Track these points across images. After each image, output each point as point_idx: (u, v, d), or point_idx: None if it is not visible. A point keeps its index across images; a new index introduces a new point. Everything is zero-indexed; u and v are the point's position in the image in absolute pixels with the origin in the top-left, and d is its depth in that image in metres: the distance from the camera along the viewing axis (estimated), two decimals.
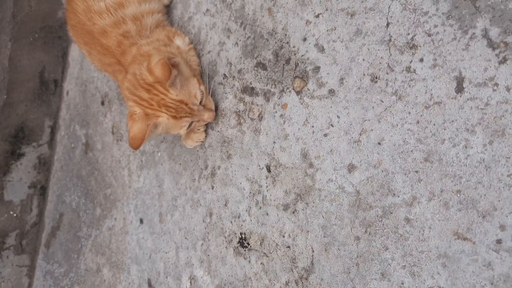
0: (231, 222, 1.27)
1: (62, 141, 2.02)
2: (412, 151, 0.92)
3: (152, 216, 1.53)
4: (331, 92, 1.06)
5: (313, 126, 1.09)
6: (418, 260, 0.90)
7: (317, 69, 1.09)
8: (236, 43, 1.29)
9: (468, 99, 0.86)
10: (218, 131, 1.32)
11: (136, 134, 1.13)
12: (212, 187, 1.33)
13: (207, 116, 1.24)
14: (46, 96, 2.03)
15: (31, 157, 2.04)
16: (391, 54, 0.96)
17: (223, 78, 1.32)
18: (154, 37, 1.36)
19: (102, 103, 1.79)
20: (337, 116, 1.05)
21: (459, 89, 0.87)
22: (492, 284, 0.81)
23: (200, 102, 1.23)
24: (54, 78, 2.04)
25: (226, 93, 1.31)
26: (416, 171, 0.91)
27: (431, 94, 0.90)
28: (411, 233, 0.91)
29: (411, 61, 0.93)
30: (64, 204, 1.97)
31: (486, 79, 0.84)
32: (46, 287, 2.02)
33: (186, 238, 1.40)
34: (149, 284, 1.51)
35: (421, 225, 0.90)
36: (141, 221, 1.57)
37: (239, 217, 1.25)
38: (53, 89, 2.04)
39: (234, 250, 1.26)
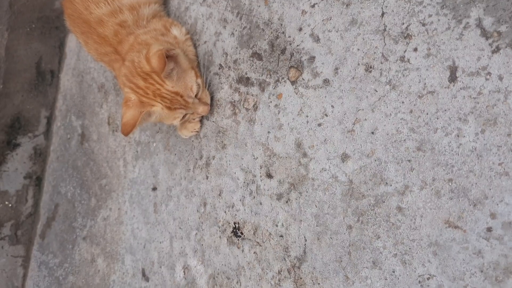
0: (225, 212, 1.27)
1: (58, 132, 2.02)
2: (405, 140, 0.93)
3: (146, 206, 1.53)
4: (326, 82, 1.06)
5: (307, 116, 1.10)
6: (410, 249, 0.91)
7: (312, 59, 1.09)
8: (232, 33, 1.29)
9: (461, 88, 0.86)
10: (213, 121, 1.33)
11: (128, 120, 1.14)
12: (207, 177, 1.33)
13: (202, 109, 1.24)
14: (42, 87, 2.03)
15: (27, 148, 2.04)
16: (385, 44, 0.97)
17: (219, 69, 1.32)
18: (151, 26, 1.36)
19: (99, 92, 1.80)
20: (331, 106, 1.05)
21: (452, 78, 0.87)
22: (482, 271, 0.82)
23: (196, 95, 1.23)
24: (50, 68, 2.03)
25: (221, 84, 1.31)
26: (409, 160, 0.92)
27: (425, 84, 0.91)
28: (403, 221, 0.92)
29: (405, 50, 0.94)
30: (60, 194, 1.97)
31: (479, 68, 0.84)
32: (40, 277, 2.02)
33: (180, 228, 1.40)
34: (143, 274, 1.52)
35: (413, 214, 0.91)
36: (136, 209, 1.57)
37: (233, 207, 1.26)
38: (49, 80, 2.04)
39: (227, 239, 1.26)
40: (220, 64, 1.32)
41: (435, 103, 0.89)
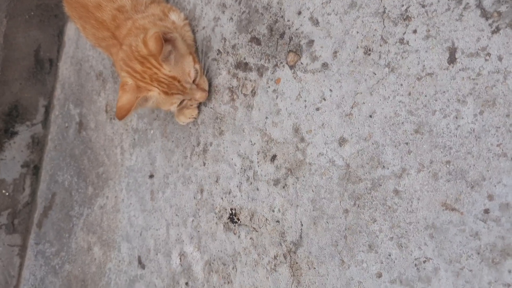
0: (222, 198, 1.27)
1: (56, 120, 2.01)
2: (403, 123, 0.92)
3: (143, 193, 1.52)
4: (324, 65, 1.05)
5: (305, 101, 1.09)
6: (406, 232, 0.90)
7: (311, 42, 1.08)
8: (231, 18, 1.28)
9: (460, 70, 0.85)
10: (211, 108, 1.32)
11: (123, 105, 1.13)
12: (204, 164, 1.33)
13: (199, 95, 1.24)
14: (41, 75, 2.02)
15: (25, 136, 2.03)
16: (385, 26, 0.96)
17: (217, 54, 1.31)
18: (149, 11, 1.35)
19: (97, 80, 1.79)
20: (330, 89, 1.04)
21: (452, 59, 0.86)
22: (478, 253, 0.81)
23: (194, 81, 1.23)
24: (49, 57, 2.02)
25: (219, 69, 1.30)
26: (406, 143, 0.91)
27: (424, 66, 0.90)
28: (400, 204, 0.91)
29: (405, 32, 0.93)
30: (57, 183, 1.96)
31: (478, 49, 0.83)
32: (37, 266, 2.01)
33: (177, 215, 1.40)
34: (139, 262, 1.51)
35: (410, 197, 0.90)
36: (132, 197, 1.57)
37: (229, 193, 1.25)
38: (48, 68, 2.03)
39: (224, 225, 1.25)
40: (219, 50, 1.31)
41: (434, 85, 0.88)
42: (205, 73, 1.30)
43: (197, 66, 1.22)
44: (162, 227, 1.44)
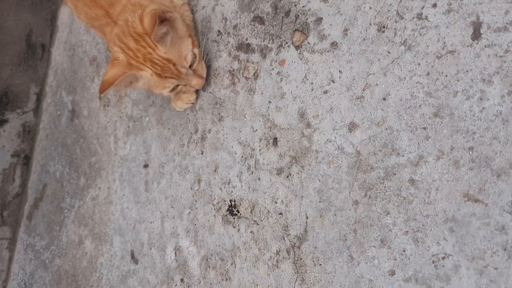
0: (221, 188, 1.18)
1: (48, 109, 1.92)
2: (420, 106, 0.84)
3: (137, 184, 1.44)
4: (334, 45, 0.97)
5: (312, 83, 1.00)
6: (423, 225, 0.82)
7: (319, 20, 1.00)
8: None
9: (485, 46, 0.77)
10: (210, 92, 1.24)
11: (108, 79, 1.05)
12: (202, 152, 1.24)
13: (196, 82, 1.15)
14: (32, 61, 1.93)
15: (15, 125, 1.95)
16: (401, 1, 0.88)
17: (218, 35, 1.23)
18: None
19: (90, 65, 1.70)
20: (339, 71, 0.96)
21: (476, 35, 0.78)
22: (505, 250, 0.73)
23: (191, 66, 1.14)
24: (41, 42, 1.94)
25: (220, 51, 1.22)
26: (424, 128, 0.83)
27: (444, 43, 0.82)
28: (416, 195, 0.83)
29: (423, 7, 0.85)
30: (48, 174, 1.88)
31: (507, 23, 0.75)
32: (27, 260, 1.93)
33: (172, 207, 1.31)
34: (132, 256, 1.43)
35: (427, 187, 0.82)
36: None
37: (229, 184, 1.17)
38: (40, 54, 1.94)
39: (222, 218, 1.17)
40: (219, 31, 1.22)
41: (456, 63, 0.80)
42: (204, 55, 1.21)
43: (196, 50, 1.14)
44: (157, 219, 1.36)
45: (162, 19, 1.09)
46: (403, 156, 0.85)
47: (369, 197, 0.89)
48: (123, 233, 1.48)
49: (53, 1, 1.92)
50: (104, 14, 1.25)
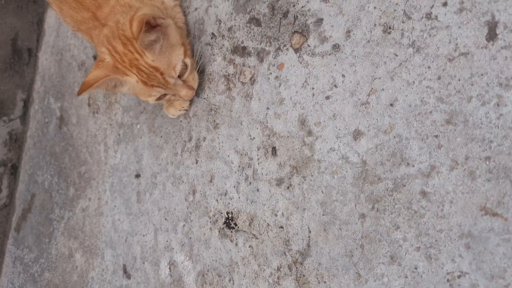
0: (217, 200, 1.12)
1: (36, 116, 1.85)
2: (431, 112, 0.78)
3: (129, 195, 1.37)
4: (336, 47, 0.91)
5: (313, 88, 0.94)
6: (436, 241, 0.76)
7: (319, 21, 0.94)
8: None
9: (502, 48, 0.71)
10: (204, 98, 1.17)
11: (89, 80, 1.00)
12: (196, 162, 1.18)
13: (185, 93, 1.09)
14: (19, 66, 1.86)
15: (2, 133, 1.87)
16: None
17: (211, 38, 1.16)
18: None
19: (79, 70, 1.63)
20: (342, 75, 0.90)
21: (491, 36, 0.72)
22: None
23: (181, 76, 1.08)
24: (28, 46, 1.86)
25: (214, 55, 1.15)
26: (436, 136, 0.77)
27: (456, 44, 0.76)
28: (428, 208, 0.77)
29: (432, 6, 0.79)
30: (36, 184, 1.80)
31: None
32: (15, 274, 1.85)
33: (166, 219, 1.25)
34: (124, 271, 1.36)
35: (441, 199, 0.76)
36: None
37: (225, 195, 1.10)
38: (27, 59, 1.87)
39: (219, 231, 1.11)
40: (213, 33, 1.16)
41: (469, 66, 0.74)
42: (197, 60, 1.15)
43: (188, 61, 1.08)
44: (150, 232, 1.29)
45: (154, 25, 1.03)
46: (413, 166, 0.79)
47: (377, 210, 0.83)
48: (114, 246, 1.41)
49: (39, 4, 1.85)
50: (91, 17, 1.18)
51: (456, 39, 0.76)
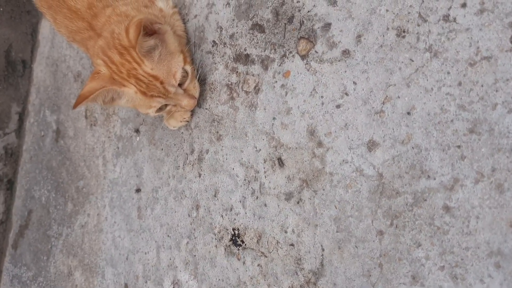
0: (222, 216, 1.06)
1: (32, 129, 1.79)
2: (452, 120, 0.73)
3: (129, 210, 1.31)
4: (345, 53, 0.86)
5: (322, 97, 0.89)
6: (462, 259, 0.70)
7: (327, 26, 0.89)
8: (228, 3, 1.08)
9: None
10: (206, 109, 1.12)
11: (84, 93, 0.95)
12: (199, 175, 1.12)
13: (186, 102, 1.03)
14: (13, 79, 1.80)
15: None
16: (423, 1, 0.77)
17: (212, 46, 1.11)
18: None
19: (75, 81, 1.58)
20: (353, 82, 0.85)
21: None
22: None
23: (182, 85, 1.03)
24: (22, 58, 1.81)
25: (215, 64, 1.10)
26: (458, 146, 0.72)
27: (478, 48, 0.71)
28: (452, 225, 0.72)
29: (450, 7, 0.74)
30: (33, 199, 1.75)
31: None
32: None
33: (168, 236, 1.19)
34: None
35: (466, 215, 0.70)
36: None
37: (231, 210, 1.05)
38: (21, 71, 1.82)
39: (225, 249, 1.05)
40: (214, 41, 1.11)
41: (493, 71, 0.69)
42: (198, 69, 1.10)
43: (188, 68, 1.03)
44: (152, 250, 1.23)
45: (151, 31, 0.98)
46: (434, 179, 0.74)
47: (396, 227, 0.77)
48: (115, 264, 1.35)
49: (33, 15, 1.80)
50: (86, 27, 1.13)
51: (477, 42, 0.71)
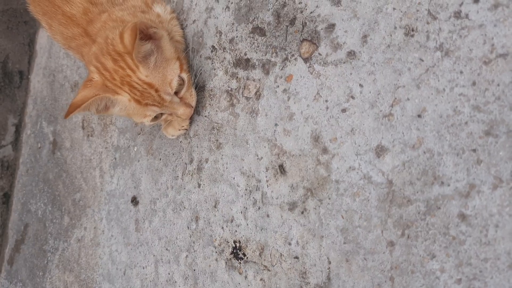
0: (223, 227, 1.01)
1: (28, 141, 1.75)
2: (466, 123, 0.68)
3: (127, 223, 1.26)
4: (351, 54, 0.82)
5: (326, 101, 0.85)
6: (481, 272, 0.65)
7: (331, 27, 0.85)
8: (227, 7, 1.05)
9: None
10: (205, 116, 1.08)
11: (76, 101, 0.91)
12: (199, 185, 1.08)
13: (182, 111, 0.99)
14: (10, 90, 1.77)
15: None
16: None
17: (212, 51, 1.08)
18: (129, 3, 1.12)
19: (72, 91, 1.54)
20: (359, 84, 0.80)
21: None
22: None
23: (178, 93, 0.99)
24: (19, 69, 1.78)
25: (215, 69, 1.06)
26: (474, 150, 0.67)
27: (492, 45, 0.67)
28: (469, 234, 0.67)
29: (462, 3, 0.70)
30: (30, 213, 1.70)
31: None
32: None
33: (167, 249, 1.14)
34: None
35: (483, 223, 0.66)
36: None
37: (232, 221, 1.00)
38: (18, 82, 1.78)
39: (226, 262, 1.00)
40: (213, 46, 1.07)
41: (510, 69, 0.65)
42: (197, 75, 1.06)
43: (184, 75, 0.99)
44: (150, 264, 1.18)
45: (146, 35, 0.94)
46: (448, 185, 0.69)
47: (408, 237, 0.72)
48: (112, 280, 1.29)
49: (30, 25, 1.77)
50: (81, 33, 1.10)
51: (492, 39, 0.67)
